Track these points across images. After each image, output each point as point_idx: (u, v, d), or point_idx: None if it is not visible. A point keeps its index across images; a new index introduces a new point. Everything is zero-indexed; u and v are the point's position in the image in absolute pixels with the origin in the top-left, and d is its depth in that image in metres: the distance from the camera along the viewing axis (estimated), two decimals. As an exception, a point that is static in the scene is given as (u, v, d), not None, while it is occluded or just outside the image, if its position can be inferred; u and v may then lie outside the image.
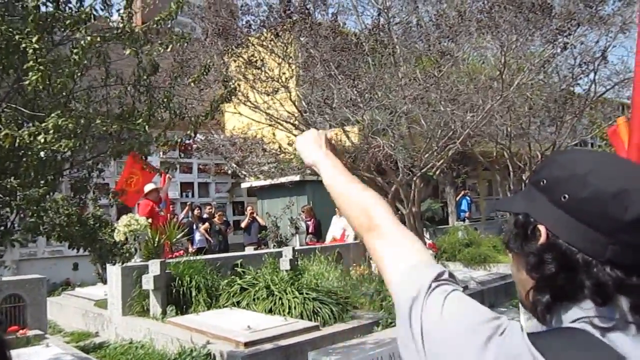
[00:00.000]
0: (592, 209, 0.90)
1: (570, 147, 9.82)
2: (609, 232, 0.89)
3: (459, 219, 15.76)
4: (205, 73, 3.78)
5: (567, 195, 0.93)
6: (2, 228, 3.77)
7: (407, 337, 0.93)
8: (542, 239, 0.94)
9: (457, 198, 16.42)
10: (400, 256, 1.04)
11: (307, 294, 7.03)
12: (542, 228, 0.95)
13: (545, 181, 0.98)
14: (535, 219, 0.97)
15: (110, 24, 3.70)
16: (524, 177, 10.35)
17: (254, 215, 13.30)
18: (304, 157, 1.44)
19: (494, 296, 9.16)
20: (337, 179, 1.29)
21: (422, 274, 0.97)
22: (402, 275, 0.99)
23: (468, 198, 16.96)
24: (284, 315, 6.77)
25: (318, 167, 1.36)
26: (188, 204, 13.80)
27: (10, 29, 2.91)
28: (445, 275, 0.98)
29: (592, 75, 8.88)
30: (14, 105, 3.02)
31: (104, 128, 3.12)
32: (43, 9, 3.14)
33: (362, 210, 1.17)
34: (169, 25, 3.50)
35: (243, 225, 13.34)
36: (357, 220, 1.17)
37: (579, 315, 0.90)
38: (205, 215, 13.17)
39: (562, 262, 0.92)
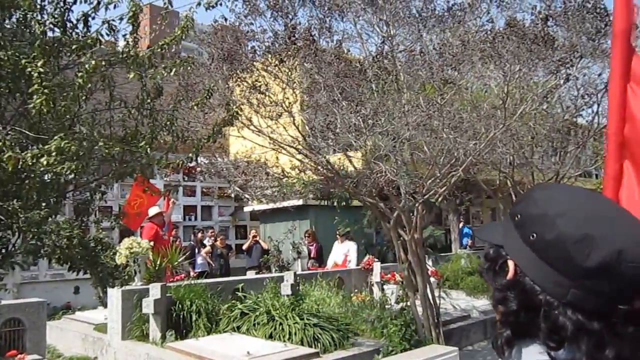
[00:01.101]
0: (557, 252, 0.91)
1: (574, 177, 9.79)
2: (571, 276, 0.89)
3: (462, 246, 15.68)
4: (208, 97, 3.82)
5: (535, 235, 0.94)
6: (4, 251, 3.77)
7: None
8: (510, 274, 0.95)
9: (460, 226, 16.38)
10: None
11: (308, 319, 6.98)
12: (511, 264, 0.96)
13: (519, 216, 0.99)
14: (507, 253, 0.98)
15: (117, 48, 3.75)
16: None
17: (257, 238, 13.26)
18: None
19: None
20: None
21: None
22: None
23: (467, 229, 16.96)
24: (284, 341, 6.71)
25: None
26: (201, 231, 13.77)
27: (16, 54, 2.96)
28: None
29: (595, 107, 8.92)
30: (18, 129, 3.05)
31: (107, 150, 3.14)
32: (50, 33, 3.20)
33: None
34: (173, 50, 3.55)
35: (245, 247, 13.30)
36: None
37: (539, 351, 0.90)
38: (207, 240, 13.15)
39: (524, 301, 0.92)
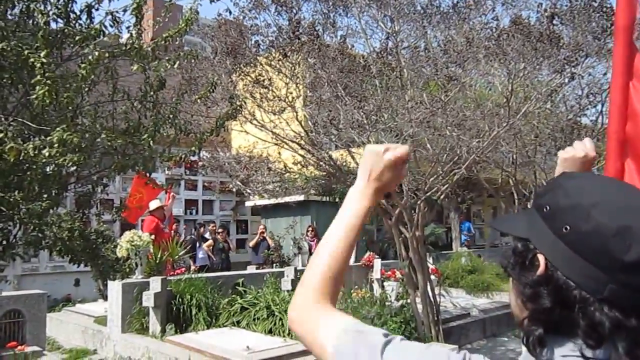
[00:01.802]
0: (593, 245, 0.86)
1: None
2: (609, 270, 0.85)
3: (462, 244, 15.65)
4: (211, 90, 3.80)
5: (568, 227, 0.89)
6: (5, 242, 3.76)
7: None
8: (541, 269, 0.90)
9: (460, 221, 16.31)
10: (329, 326, 1.01)
11: (307, 315, 6.97)
12: (541, 258, 0.91)
13: (548, 207, 0.94)
14: (536, 246, 0.93)
15: (121, 40, 3.74)
16: (529, 206, 10.28)
17: (264, 234, 13.17)
18: (359, 170, 1.24)
19: (495, 325, 9.06)
20: (334, 232, 1.15)
21: (363, 336, 0.95)
22: (338, 339, 0.96)
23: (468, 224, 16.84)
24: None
25: (350, 194, 1.20)
26: (202, 225, 13.75)
27: (19, 45, 2.94)
28: (383, 331, 0.96)
29: (599, 107, 8.88)
30: (20, 120, 3.04)
31: (109, 143, 3.12)
32: (53, 25, 3.19)
33: (302, 287, 1.12)
34: (176, 43, 3.53)
35: (252, 244, 13.25)
36: (299, 296, 1.12)
37: (571, 349, 0.87)
38: (207, 234, 13.14)
39: (557, 298, 0.88)
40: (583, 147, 1.57)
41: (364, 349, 0.92)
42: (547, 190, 0.99)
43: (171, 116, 3.61)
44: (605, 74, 8.32)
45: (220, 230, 13.24)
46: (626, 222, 0.85)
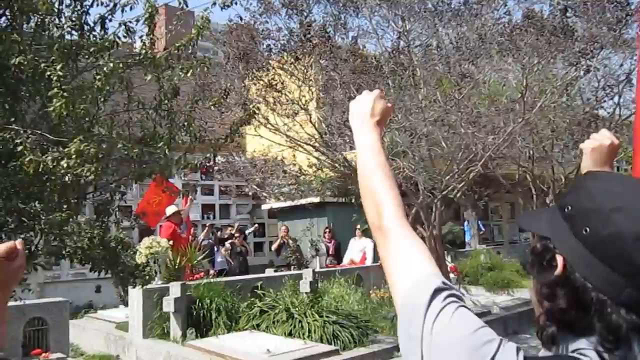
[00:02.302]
0: (613, 250, 0.86)
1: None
2: (628, 275, 0.85)
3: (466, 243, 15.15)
4: (225, 97, 3.82)
5: (588, 229, 0.89)
6: (27, 252, 3.82)
7: (409, 342, 0.93)
8: (559, 270, 0.91)
9: (467, 221, 15.49)
10: (408, 265, 1.02)
11: (327, 317, 6.98)
12: (560, 259, 0.92)
13: (570, 208, 0.95)
14: (556, 246, 0.93)
15: (135, 50, 3.78)
16: (547, 201, 10.18)
17: (286, 237, 13.16)
18: (352, 125, 1.33)
19: (517, 322, 8.97)
20: (367, 158, 1.21)
21: (429, 285, 0.95)
22: (410, 284, 0.97)
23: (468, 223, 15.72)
24: (304, 338, 6.72)
25: (357, 136, 1.28)
26: (208, 225, 13.81)
27: (36, 58, 2.99)
28: (449, 289, 0.96)
29: (616, 99, 8.76)
30: (38, 132, 3.09)
31: (125, 152, 3.16)
32: (68, 37, 3.23)
33: (374, 205, 1.13)
34: (189, 51, 3.56)
35: (274, 247, 13.26)
36: (369, 214, 1.15)
37: (587, 346, 0.87)
38: (226, 237, 13.20)
39: (574, 299, 0.88)
40: (607, 136, 1.57)
41: (420, 309, 0.93)
42: (571, 190, 1.00)
43: (186, 124, 3.64)
44: (621, 65, 8.23)
45: (237, 234, 13.28)
46: None
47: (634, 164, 1.88)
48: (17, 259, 1.26)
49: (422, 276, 0.97)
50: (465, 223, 15.42)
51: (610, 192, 0.93)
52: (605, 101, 8.74)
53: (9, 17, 3.45)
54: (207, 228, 13.35)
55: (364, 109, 1.28)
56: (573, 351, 0.88)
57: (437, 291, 0.93)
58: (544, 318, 0.93)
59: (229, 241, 12.82)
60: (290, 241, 13.01)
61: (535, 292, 0.98)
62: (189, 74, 3.45)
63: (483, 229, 16.14)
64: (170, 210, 9.89)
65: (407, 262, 1.02)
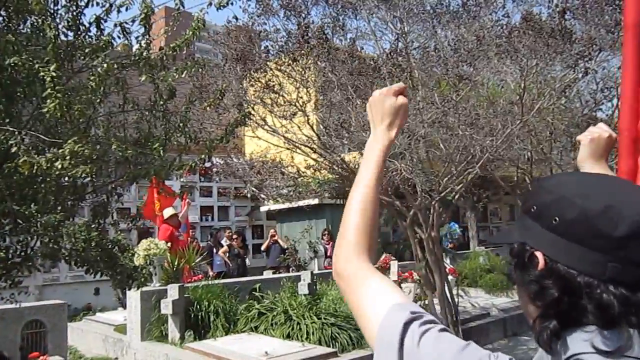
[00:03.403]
0: (583, 229, 0.89)
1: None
2: (605, 250, 0.87)
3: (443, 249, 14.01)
4: (220, 97, 3.82)
5: (557, 218, 0.92)
6: (23, 254, 3.81)
7: None
8: (540, 264, 0.92)
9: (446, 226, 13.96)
10: (370, 306, 1.02)
11: (325, 319, 6.96)
12: (538, 254, 0.93)
13: (535, 207, 0.98)
14: (531, 245, 0.95)
15: (133, 50, 3.77)
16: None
17: (276, 237, 13.22)
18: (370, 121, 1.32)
19: (516, 324, 8.95)
20: (356, 186, 1.20)
21: (396, 321, 0.95)
22: (378, 326, 0.97)
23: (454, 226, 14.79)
24: (302, 341, 6.70)
25: (367, 144, 1.27)
26: (218, 231, 13.78)
27: (30, 59, 2.98)
28: (424, 317, 0.96)
29: (615, 101, 8.74)
30: (33, 133, 3.08)
31: (120, 153, 3.15)
32: (63, 37, 3.22)
33: (338, 247, 1.15)
34: (184, 53, 3.55)
35: (263, 247, 13.30)
36: (340, 248, 1.15)
37: (584, 339, 0.87)
38: (224, 240, 13.19)
39: (563, 286, 0.89)
40: (605, 129, 1.62)
41: (397, 337, 0.93)
42: (531, 194, 1.03)
43: (181, 125, 3.63)
44: (619, 67, 8.20)
45: (235, 236, 13.28)
46: (608, 202, 0.89)
47: (618, 165, 1.88)
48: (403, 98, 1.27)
49: (390, 312, 0.98)
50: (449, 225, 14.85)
51: (565, 183, 0.98)
52: (603, 103, 8.73)
53: (4, 17, 3.45)
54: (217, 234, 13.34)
55: (375, 112, 1.28)
56: (569, 358, 0.87)
57: (407, 324, 0.94)
58: (540, 319, 0.92)
59: (227, 243, 12.82)
60: (281, 242, 13.01)
61: (525, 296, 0.98)
62: (183, 75, 3.44)
63: (459, 233, 15.32)
64: (167, 212, 9.88)
65: (368, 304, 1.03)
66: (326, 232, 12.75)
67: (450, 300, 7.48)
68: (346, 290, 1.09)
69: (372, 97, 1.30)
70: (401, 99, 1.28)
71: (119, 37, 3.37)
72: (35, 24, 3.49)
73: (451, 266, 9.89)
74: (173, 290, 7.15)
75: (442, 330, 0.94)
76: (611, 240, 0.86)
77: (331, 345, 6.58)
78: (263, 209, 15.16)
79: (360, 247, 1.12)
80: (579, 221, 0.89)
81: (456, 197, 7.53)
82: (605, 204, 0.89)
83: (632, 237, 0.85)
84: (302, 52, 6.83)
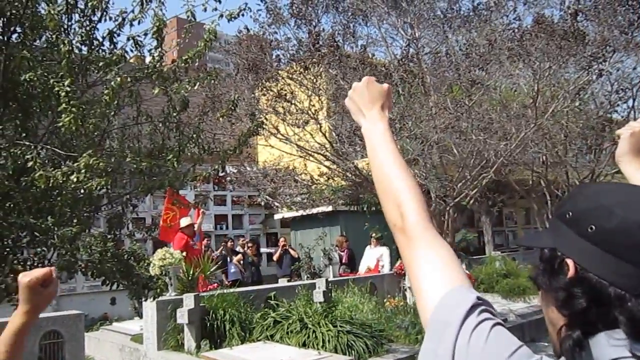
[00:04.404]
0: (622, 241, 0.85)
1: (611, 175, 9.51)
2: None
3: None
4: (233, 108, 3.84)
5: (594, 227, 0.88)
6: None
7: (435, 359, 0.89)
8: (571, 272, 0.89)
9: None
10: (437, 277, 0.98)
11: (341, 326, 6.92)
12: (570, 262, 0.90)
13: (570, 213, 0.93)
14: (563, 252, 0.91)
15: (146, 62, 3.80)
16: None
17: (286, 247, 13.21)
18: (357, 121, 1.29)
19: (535, 330, 8.85)
20: (381, 154, 1.16)
21: (463, 301, 0.92)
22: (440, 299, 0.94)
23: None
24: (318, 349, 6.67)
25: (363, 132, 1.24)
26: (230, 241, 13.80)
27: (45, 73, 3.02)
28: (485, 305, 0.93)
29: (630, 102, 8.66)
30: (49, 147, 3.12)
31: (135, 165, 3.18)
32: (77, 52, 3.26)
33: (395, 205, 1.09)
34: (196, 64, 3.58)
35: (275, 257, 13.30)
36: (389, 214, 1.10)
37: (614, 345, 0.84)
38: (238, 247, 13.21)
39: (593, 297, 0.86)
40: None
41: (452, 327, 0.89)
42: (566, 200, 0.99)
43: (194, 136, 3.66)
44: (634, 68, 8.13)
45: (250, 244, 13.30)
46: None
47: None
48: (51, 285, 1.30)
49: (454, 291, 0.94)
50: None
51: (604, 191, 0.94)
52: (619, 105, 8.65)
53: (19, 33, 3.50)
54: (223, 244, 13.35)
55: (360, 101, 1.26)
56: None
57: (472, 307, 0.91)
58: (565, 329, 0.90)
59: (241, 251, 12.84)
60: (292, 251, 12.98)
61: (550, 303, 0.94)
62: (196, 87, 3.46)
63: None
64: (184, 222, 9.92)
65: (435, 274, 0.99)
66: (344, 239, 12.65)
67: (466, 306, 7.41)
68: (413, 251, 1.03)
69: (354, 88, 1.29)
70: (385, 85, 1.29)
71: (131, 51, 3.41)
72: (50, 39, 3.54)
73: (467, 272, 9.80)
74: (189, 300, 7.16)
75: (498, 324, 0.90)
76: None
77: (347, 353, 6.54)
78: (277, 216, 15.17)
79: (425, 211, 1.09)
80: (617, 232, 0.86)
81: (471, 202, 7.49)
82: None
83: None
84: (314, 60, 6.86)
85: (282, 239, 13.68)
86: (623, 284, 0.84)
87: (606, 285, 0.85)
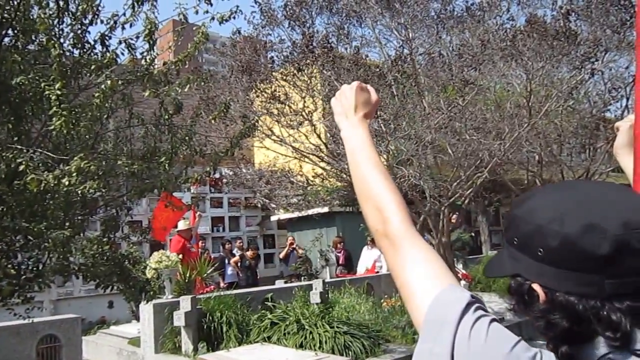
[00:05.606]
0: (569, 254, 0.87)
1: (606, 173, 9.53)
2: (597, 270, 0.85)
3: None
4: (225, 110, 3.85)
5: (542, 249, 0.90)
6: (35, 270, 3.85)
7: (430, 358, 0.90)
8: (542, 298, 0.91)
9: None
10: (426, 279, 1.00)
11: (338, 327, 6.93)
12: (536, 287, 0.92)
13: (516, 240, 0.95)
14: (527, 278, 0.93)
15: (140, 66, 3.81)
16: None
17: (294, 245, 13.18)
18: (338, 123, 1.31)
19: (531, 328, 8.82)
20: (360, 159, 1.17)
21: (458, 300, 0.93)
22: (433, 300, 0.95)
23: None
24: (315, 350, 6.67)
25: (343, 135, 1.25)
26: (228, 243, 13.79)
27: (37, 77, 3.03)
28: (478, 302, 0.95)
29: (624, 101, 8.69)
30: (40, 150, 3.12)
31: (127, 168, 3.18)
32: (69, 55, 3.27)
33: (376, 210, 1.10)
34: (186, 66, 3.59)
35: (282, 255, 13.27)
36: (370, 219, 1.12)
37: (595, 350, 0.86)
38: (235, 250, 13.19)
39: (570, 316, 0.87)
40: None
41: (449, 326, 0.91)
42: (508, 225, 1.00)
43: (187, 138, 3.66)
44: (627, 67, 8.16)
45: (251, 247, 13.31)
46: (585, 221, 0.87)
47: (634, 174, 1.85)
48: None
49: (447, 291, 0.96)
50: None
51: (540, 208, 0.94)
52: (612, 104, 8.68)
53: (11, 37, 3.50)
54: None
55: (346, 104, 1.28)
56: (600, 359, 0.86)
57: (468, 305, 0.92)
58: (552, 342, 0.91)
59: (239, 253, 12.83)
60: (299, 250, 12.99)
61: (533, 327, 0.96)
62: (186, 88, 3.48)
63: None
64: (182, 225, 9.92)
65: (424, 276, 1.00)
66: (336, 240, 12.67)
67: (463, 305, 7.43)
68: (398, 255, 1.05)
69: (343, 90, 1.31)
70: (375, 96, 1.31)
71: (122, 54, 3.42)
72: (42, 42, 3.55)
73: (464, 271, 9.83)
74: (185, 302, 7.16)
75: (494, 320, 0.92)
76: (599, 260, 0.85)
77: (344, 354, 6.55)
78: (273, 218, 15.17)
79: (407, 215, 1.10)
80: (562, 248, 0.87)
81: (466, 201, 7.50)
82: (583, 224, 0.87)
83: (619, 252, 0.83)
84: (307, 61, 6.87)
85: (290, 237, 13.67)
86: (591, 294, 0.86)
87: (574, 300, 0.87)
